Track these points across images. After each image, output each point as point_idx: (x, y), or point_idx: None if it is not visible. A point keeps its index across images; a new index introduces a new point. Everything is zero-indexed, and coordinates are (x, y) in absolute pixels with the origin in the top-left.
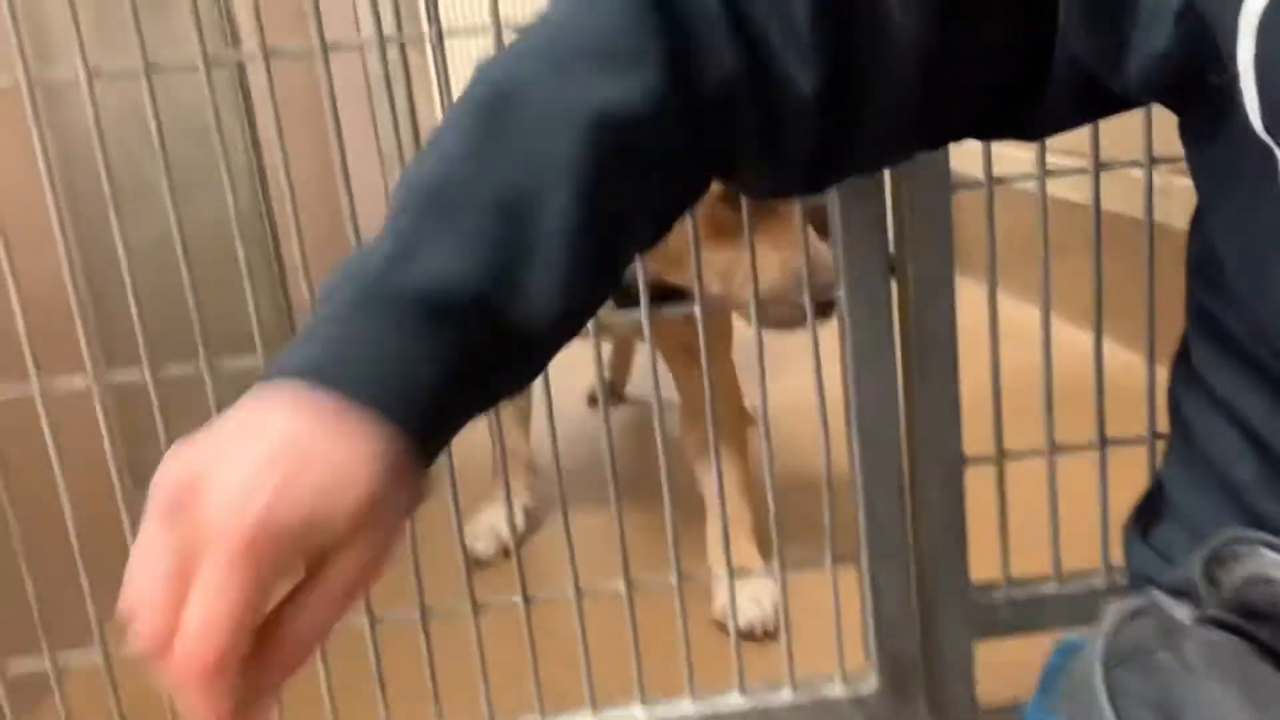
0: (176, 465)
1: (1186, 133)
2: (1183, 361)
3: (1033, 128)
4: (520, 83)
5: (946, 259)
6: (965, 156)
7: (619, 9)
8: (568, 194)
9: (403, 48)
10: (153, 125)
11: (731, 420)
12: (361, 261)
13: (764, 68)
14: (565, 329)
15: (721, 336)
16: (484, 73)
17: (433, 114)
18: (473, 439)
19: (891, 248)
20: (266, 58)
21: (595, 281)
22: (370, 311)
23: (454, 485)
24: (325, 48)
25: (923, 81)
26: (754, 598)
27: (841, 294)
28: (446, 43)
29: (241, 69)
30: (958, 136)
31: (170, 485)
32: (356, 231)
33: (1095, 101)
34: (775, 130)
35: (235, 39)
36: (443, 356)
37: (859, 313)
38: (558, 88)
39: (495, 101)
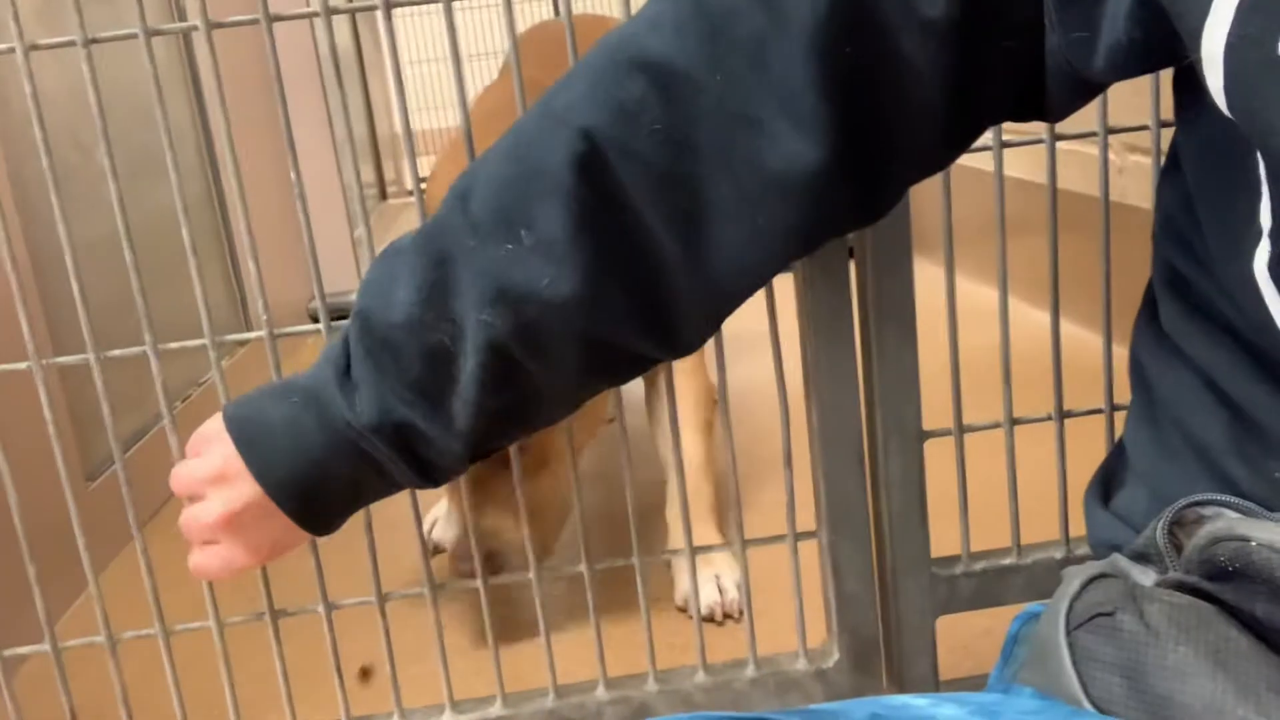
0: (203, 430)
1: (1178, 107)
2: (1147, 322)
3: (1051, 113)
4: (455, 251)
5: (904, 229)
6: None
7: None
8: (475, 361)
9: (353, 18)
10: (93, 101)
11: (695, 400)
12: (325, 368)
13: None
14: (469, 455)
15: None
16: (441, 217)
17: (384, 87)
18: None
19: None
20: (209, 29)
21: (503, 429)
22: (310, 417)
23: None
24: (270, 19)
25: (945, 107)
26: (715, 580)
27: (799, 270)
28: (395, 15)
29: (188, 45)
30: (982, 132)
31: (195, 439)
32: (306, 213)
33: (1087, 85)
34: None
35: (181, 14)
36: (352, 477)
37: (818, 289)
38: (482, 259)
39: (438, 264)
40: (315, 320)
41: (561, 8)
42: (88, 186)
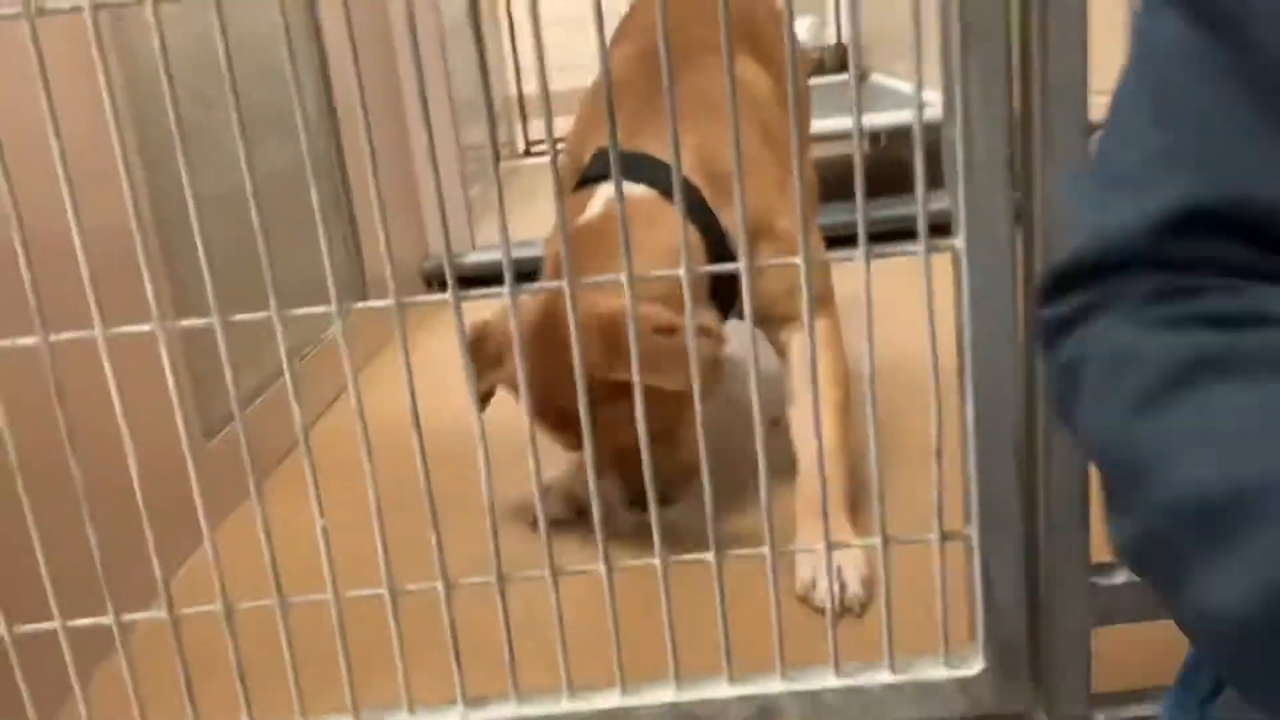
0: None
1: None
2: None
3: None
4: None
5: None
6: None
7: None
8: None
9: None
10: (221, 55)
11: (832, 378)
12: None
13: None
14: None
15: (826, 289)
16: None
17: (499, 50)
18: None
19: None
20: None
21: None
22: None
23: (485, 452)
24: None
25: None
26: (837, 571)
27: (960, 241)
28: None
29: (313, 3)
30: None
31: None
32: (437, 178)
33: None
34: None
35: None
36: None
37: (979, 257)
38: None
39: None
40: (429, 283)
41: None
42: (208, 144)
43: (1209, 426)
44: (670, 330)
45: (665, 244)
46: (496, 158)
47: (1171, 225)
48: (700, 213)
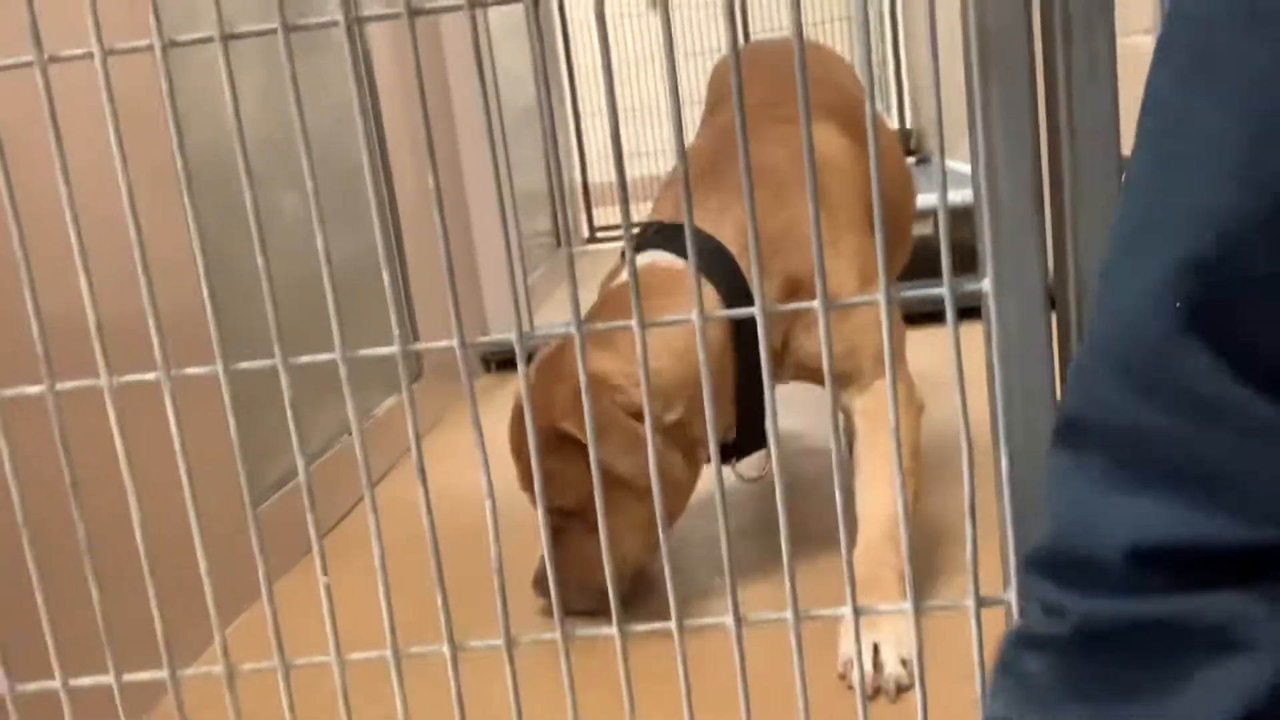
0: None
1: None
2: None
3: None
4: None
5: None
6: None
7: None
8: None
9: (541, 76)
10: (228, 96)
11: (908, 448)
12: None
13: None
14: None
15: (897, 348)
16: None
17: (567, 138)
18: None
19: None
20: (351, 25)
21: None
22: None
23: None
24: (412, 13)
25: None
26: (877, 651)
27: (988, 289)
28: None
29: (372, 93)
30: None
31: None
32: (519, 258)
33: None
34: None
35: (370, 71)
36: None
37: (1009, 316)
38: None
39: None
40: (487, 365)
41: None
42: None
43: None
44: (636, 418)
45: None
46: (568, 241)
47: None
48: (728, 277)
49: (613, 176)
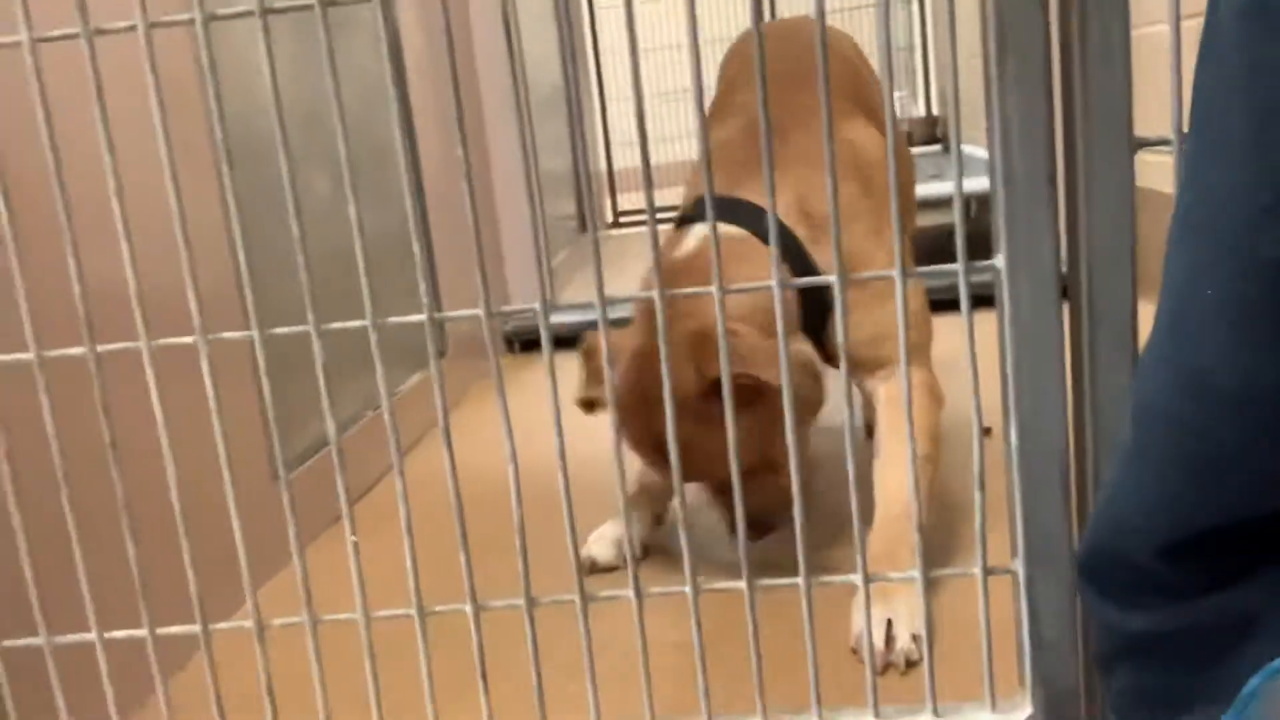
0: None
1: None
2: None
3: None
4: None
5: (1126, 224)
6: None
7: None
8: None
9: (567, 59)
10: (266, 70)
11: (927, 432)
12: None
13: None
14: None
15: (923, 338)
16: None
17: (593, 123)
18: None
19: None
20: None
21: None
22: None
23: (568, 495)
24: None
25: None
26: (885, 624)
27: (1001, 265)
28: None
29: (399, 73)
30: None
31: None
32: (472, 195)
33: None
34: None
35: (397, 47)
36: None
37: (1021, 293)
38: None
39: None
40: (510, 343)
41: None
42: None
43: None
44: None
45: (757, 279)
46: (594, 225)
47: None
48: (794, 253)
49: (638, 161)
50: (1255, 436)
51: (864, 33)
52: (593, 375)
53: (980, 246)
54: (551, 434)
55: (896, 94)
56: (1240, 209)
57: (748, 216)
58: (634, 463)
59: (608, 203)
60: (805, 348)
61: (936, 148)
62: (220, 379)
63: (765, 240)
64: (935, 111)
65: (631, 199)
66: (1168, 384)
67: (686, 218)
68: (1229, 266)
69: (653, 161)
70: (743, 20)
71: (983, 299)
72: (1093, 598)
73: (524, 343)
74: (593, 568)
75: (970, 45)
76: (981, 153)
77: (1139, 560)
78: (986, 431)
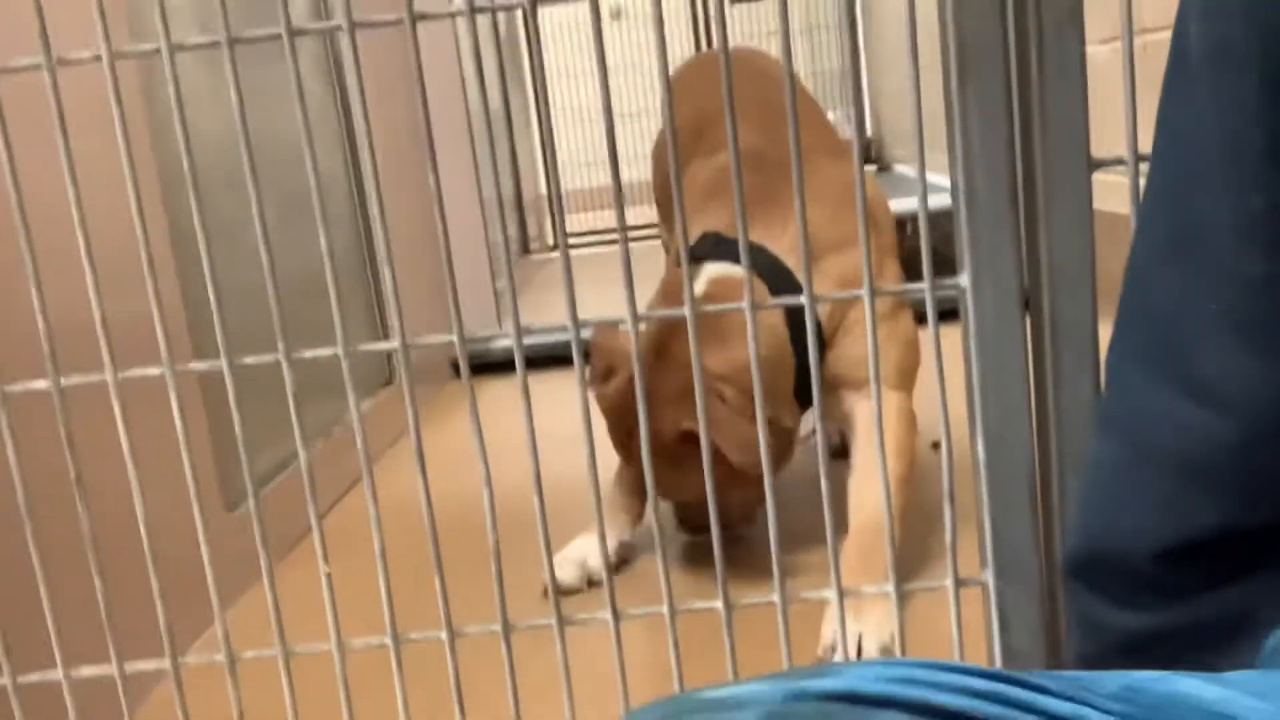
0: None
1: None
2: None
3: None
4: None
5: (1085, 241)
6: (1106, 190)
7: None
8: None
9: (494, 16)
10: (234, 99)
11: (898, 451)
12: None
13: None
14: None
15: (909, 364)
16: None
17: (531, 147)
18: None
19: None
20: (353, 29)
21: None
22: None
23: (543, 513)
24: (414, 19)
25: None
26: (857, 639)
27: (965, 284)
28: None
29: (343, 96)
30: None
31: None
32: (443, 218)
33: None
34: None
35: (339, 67)
36: None
37: (985, 309)
38: None
39: None
40: (456, 369)
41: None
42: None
43: None
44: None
45: (759, 323)
46: (564, 245)
47: None
48: (787, 289)
49: (584, 183)
50: (1255, 445)
51: (798, 56)
52: (597, 372)
53: (937, 264)
54: (505, 458)
55: (830, 114)
56: (1225, 233)
57: (753, 256)
58: (606, 471)
59: (548, 224)
60: (784, 413)
61: (872, 169)
62: (169, 410)
63: (767, 280)
64: (869, 134)
65: (580, 220)
66: (1162, 394)
67: (695, 255)
68: (1221, 284)
69: (598, 183)
70: (682, 45)
71: (946, 313)
72: (1082, 597)
73: (473, 367)
74: (562, 592)
75: (903, 68)
76: (912, 173)
77: (1135, 563)
78: (934, 446)
